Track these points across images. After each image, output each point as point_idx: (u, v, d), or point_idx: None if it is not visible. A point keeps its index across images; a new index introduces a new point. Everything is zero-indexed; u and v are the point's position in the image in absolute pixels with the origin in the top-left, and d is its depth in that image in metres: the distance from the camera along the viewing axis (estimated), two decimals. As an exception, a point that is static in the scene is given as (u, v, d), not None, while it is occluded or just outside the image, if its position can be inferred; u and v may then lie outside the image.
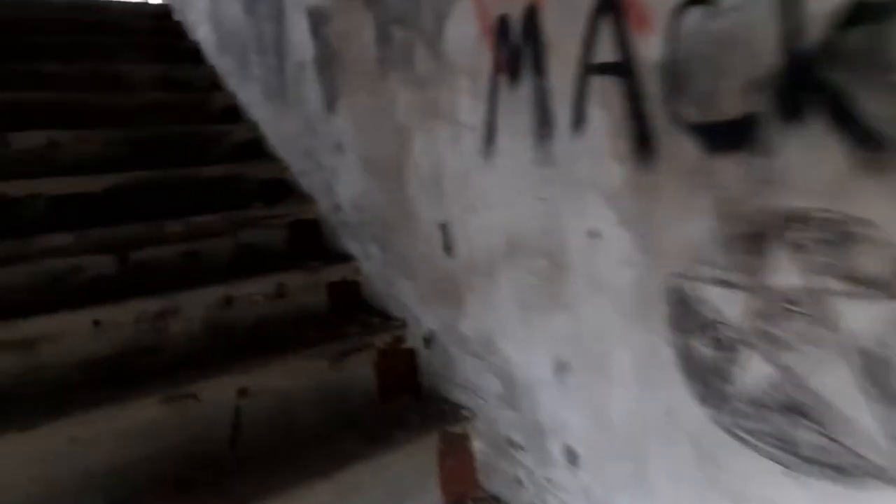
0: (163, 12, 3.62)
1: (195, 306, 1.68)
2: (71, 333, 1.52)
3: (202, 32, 3.15)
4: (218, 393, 1.45)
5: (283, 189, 2.31)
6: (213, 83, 2.95)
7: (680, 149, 0.87)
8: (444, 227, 1.45)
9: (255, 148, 2.56)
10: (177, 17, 3.55)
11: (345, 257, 1.97)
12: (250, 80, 2.60)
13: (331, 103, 1.93)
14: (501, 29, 1.17)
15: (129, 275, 1.83)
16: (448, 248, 1.44)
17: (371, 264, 1.85)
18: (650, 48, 0.89)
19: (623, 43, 0.92)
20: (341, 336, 1.68)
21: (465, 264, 1.40)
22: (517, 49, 1.14)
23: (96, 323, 1.54)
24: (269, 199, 2.23)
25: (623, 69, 0.93)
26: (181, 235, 1.93)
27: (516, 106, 1.16)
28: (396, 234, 1.68)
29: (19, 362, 1.46)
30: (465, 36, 1.28)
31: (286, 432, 1.51)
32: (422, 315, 1.63)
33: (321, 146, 2.04)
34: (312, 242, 2.11)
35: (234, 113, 2.75)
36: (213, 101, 2.77)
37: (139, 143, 2.35)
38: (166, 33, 3.36)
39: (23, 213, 1.91)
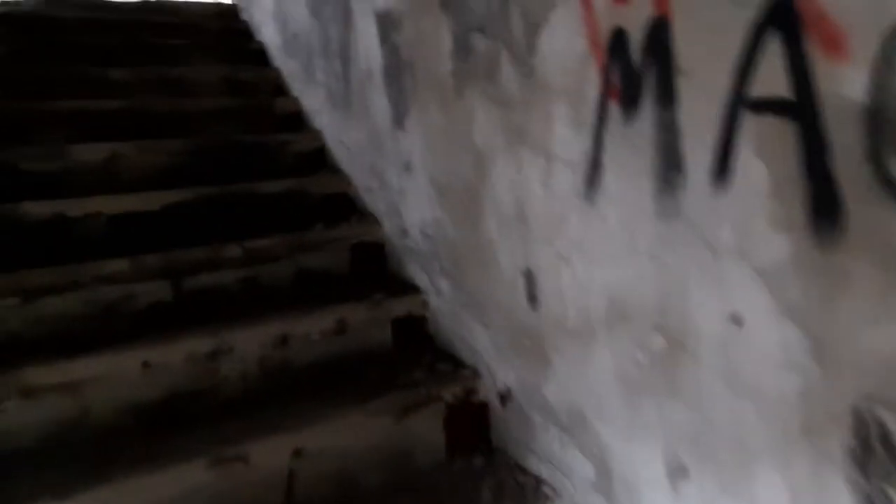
0: (230, 12, 3.53)
1: (249, 345, 1.53)
2: (118, 376, 1.40)
3: (267, 33, 3.03)
4: (271, 454, 1.29)
5: (346, 205, 2.15)
6: (278, 87, 2.82)
7: (884, 224, 0.63)
8: (528, 275, 1.23)
9: (319, 159, 2.41)
10: (243, 16, 3.45)
11: (410, 287, 1.79)
12: (315, 86, 2.44)
13: (399, 118, 1.74)
14: (616, 45, 0.94)
15: (184, 303, 1.71)
16: (532, 298, 1.23)
17: (440, 300, 1.66)
18: (845, 83, 0.64)
19: (800, 73, 0.68)
20: (407, 385, 1.49)
21: (553, 321, 1.19)
22: (637, 71, 0.91)
23: (145, 364, 1.42)
24: (332, 216, 2.07)
25: (798, 109, 0.69)
26: (238, 261, 1.79)
27: (632, 142, 0.93)
28: (470, 273, 1.48)
29: (65, 406, 1.35)
30: (566, 51, 1.06)
31: (343, 498, 1.34)
32: (497, 367, 1.43)
33: (387, 163, 1.86)
34: (376, 267, 1.94)
35: (297, 120, 2.62)
36: (277, 106, 2.64)
37: (201, 154, 2.24)
38: (232, 34, 3.27)
39: (80, 233, 1.82)
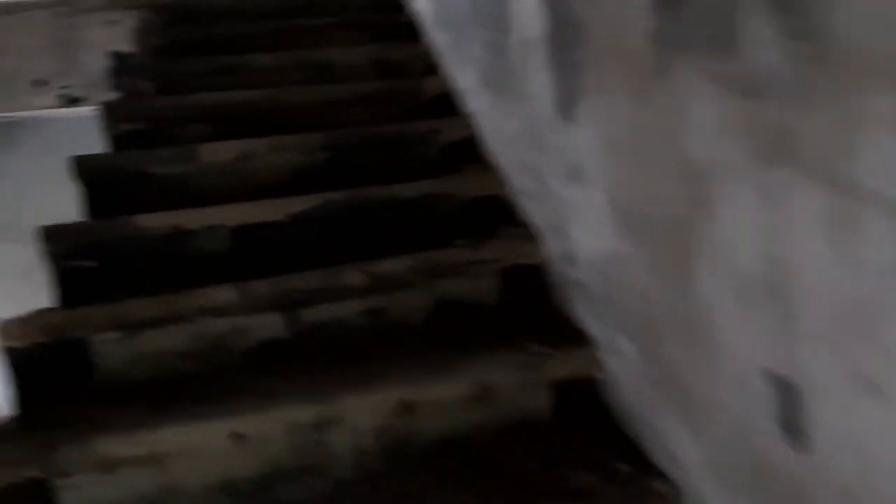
0: None
1: (363, 413, 1.20)
2: (207, 448, 1.14)
3: (419, 4, 2.66)
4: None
5: (498, 213, 1.72)
6: (428, 65, 2.45)
7: None
8: (783, 387, 0.72)
9: (468, 150, 2.00)
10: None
11: (578, 336, 1.32)
12: (467, 62, 2.03)
13: (566, 104, 1.27)
14: None
15: (299, 340, 1.43)
16: (793, 429, 0.72)
17: (619, 362, 1.18)
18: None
19: None
20: (573, 496, 1.05)
21: (834, 478, 0.67)
22: None
23: (238, 437, 1.14)
24: (479, 228, 1.66)
25: None
26: (362, 289, 1.46)
27: None
28: (670, 343, 0.99)
29: (147, 482, 1.12)
30: None
31: None
32: (712, 498, 0.93)
33: (549, 164, 1.40)
34: (532, 301, 1.50)
35: (447, 102, 2.23)
36: (426, 87, 2.28)
37: (337, 149, 1.95)
38: (382, 6, 2.96)
39: (197, 249, 1.62)
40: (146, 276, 1.58)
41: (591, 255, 1.26)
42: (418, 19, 2.70)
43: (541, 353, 1.27)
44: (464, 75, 2.10)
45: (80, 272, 1.57)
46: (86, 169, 1.80)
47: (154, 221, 1.61)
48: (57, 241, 1.56)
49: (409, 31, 2.71)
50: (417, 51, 2.53)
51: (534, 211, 1.56)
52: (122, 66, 3.02)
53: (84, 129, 3.28)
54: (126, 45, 3.23)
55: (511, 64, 1.58)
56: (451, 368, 1.25)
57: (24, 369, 1.27)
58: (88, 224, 1.59)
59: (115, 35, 3.27)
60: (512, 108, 1.63)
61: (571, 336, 1.33)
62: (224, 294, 1.40)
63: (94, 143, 2.20)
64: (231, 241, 1.64)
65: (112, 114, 2.04)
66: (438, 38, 2.38)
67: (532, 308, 1.48)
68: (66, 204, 3.43)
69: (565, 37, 1.24)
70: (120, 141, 2.03)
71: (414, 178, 1.89)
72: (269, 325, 1.41)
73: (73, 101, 3.21)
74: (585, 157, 1.21)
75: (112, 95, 2.36)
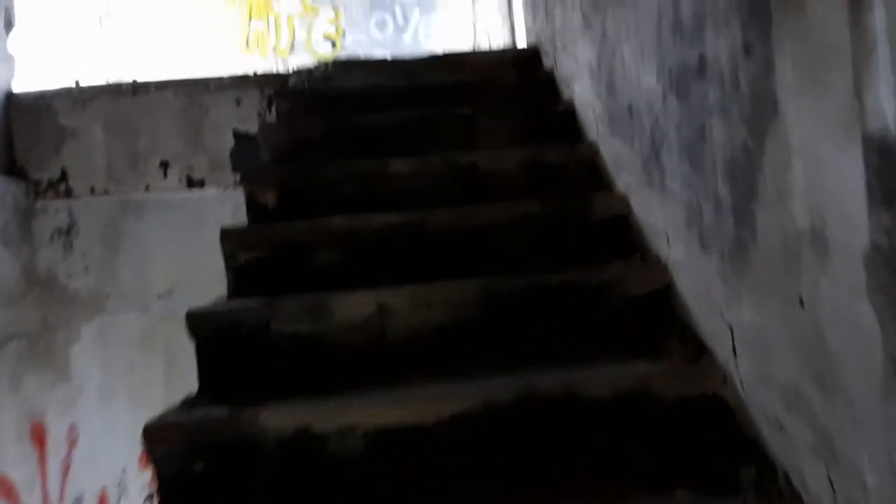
0: (530, 57, 2.86)
1: None
2: None
3: (581, 91, 2.25)
4: None
5: (727, 435, 1.25)
6: (594, 174, 2.03)
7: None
8: None
9: (662, 312, 1.55)
10: (546, 62, 2.74)
11: None
12: (661, 193, 1.58)
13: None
14: None
15: None
16: None
17: None
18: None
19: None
20: None
21: None
22: None
23: None
24: (706, 462, 1.20)
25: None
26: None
27: None
28: None
29: None
30: None
31: None
32: None
33: (864, 445, 0.92)
34: None
35: (623, 232, 1.79)
36: (594, 208, 1.85)
37: (494, 305, 1.56)
38: (533, 90, 2.58)
39: (328, 460, 1.27)
40: (260, 487, 1.26)
41: None
42: (578, 110, 2.29)
43: None
44: (654, 208, 1.65)
45: (185, 476, 1.27)
46: (201, 327, 1.52)
47: (279, 420, 1.28)
48: (163, 442, 1.26)
49: (566, 124, 2.31)
50: (579, 154, 2.11)
51: (796, 462, 1.08)
52: (244, 154, 2.81)
53: (205, 212, 3.13)
54: (251, 125, 3.06)
55: (768, 248, 1.11)
56: None
57: None
58: (199, 421, 1.28)
59: (241, 114, 3.11)
60: (758, 300, 1.16)
61: None
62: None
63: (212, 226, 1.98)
64: (366, 448, 1.28)
65: (232, 241, 1.76)
66: (610, 143, 1.95)
67: None
68: (183, 277, 3.29)
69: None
70: (240, 276, 1.75)
71: (593, 352, 1.46)
72: None
73: (195, 184, 3.06)
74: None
75: (230, 194, 2.11)
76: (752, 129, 1.11)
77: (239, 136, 3.05)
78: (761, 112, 1.07)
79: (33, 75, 3.43)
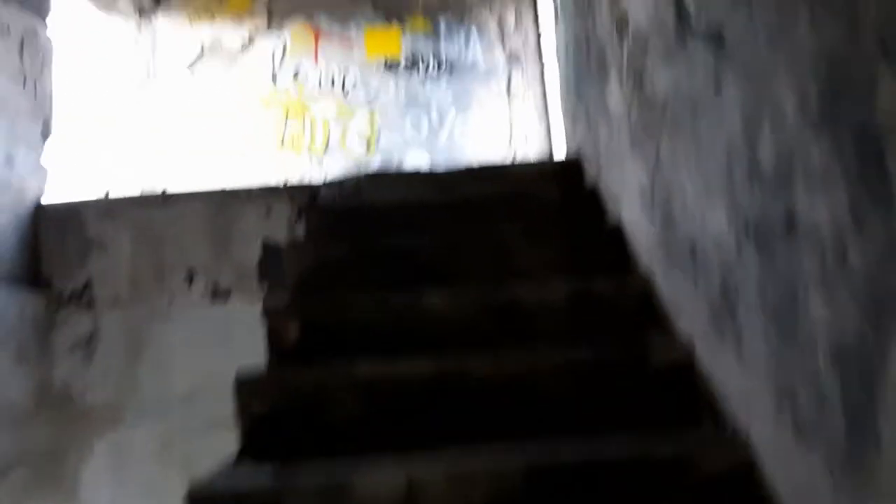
0: (571, 170, 2.72)
1: None
2: None
3: (629, 211, 2.07)
4: None
5: None
6: (647, 309, 1.81)
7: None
8: None
9: (743, 499, 1.28)
10: (589, 176, 2.59)
11: None
12: (735, 353, 1.35)
13: None
14: None
15: None
16: None
17: None
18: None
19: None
20: None
21: None
22: None
23: None
24: None
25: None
26: None
27: None
28: None
29: None
30: None
31: None
32: None
33: None
34: None
35: (687, 387, 1.55)
36: (653, 355, 1.62)
37: (544, 482, 1.33)
38: (577, 208, 2.42)
39: None
40: None
41: None
42: (628, 232, 2.10)
43: None
44: (722, 364, 1.42)
45: None
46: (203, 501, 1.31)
47: None
48: None
49: (614, 246, 2.12)
50: (631, 286, 1.91)
51: None
52: (272, 265, 2.69)
53: (231, 318, 3.00)
54: (280, 234, 2.97)
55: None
56: None
57: None
58: None
59: (270, 224, 3.02)
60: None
61: None
62: None
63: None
64: None
65: (246, 391, 1.58)
66: (667, 279, 1.75)
67: None
68: (205, 383, 3.12)
69: None
70: (253, 429, 1.56)
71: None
72: None
73: (221, 295, 2.94)
74: None
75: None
76: (871, 320, 0.90)
77: (267, 247, 2.95)
78: (887, 306, 0.86)
79: (66, 183, 3.45)
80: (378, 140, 4.34)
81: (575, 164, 2.72)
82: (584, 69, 2.58)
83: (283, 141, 4.31)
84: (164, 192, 3.01)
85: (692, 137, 1.48)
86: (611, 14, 2.09)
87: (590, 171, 2.59)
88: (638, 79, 1.86)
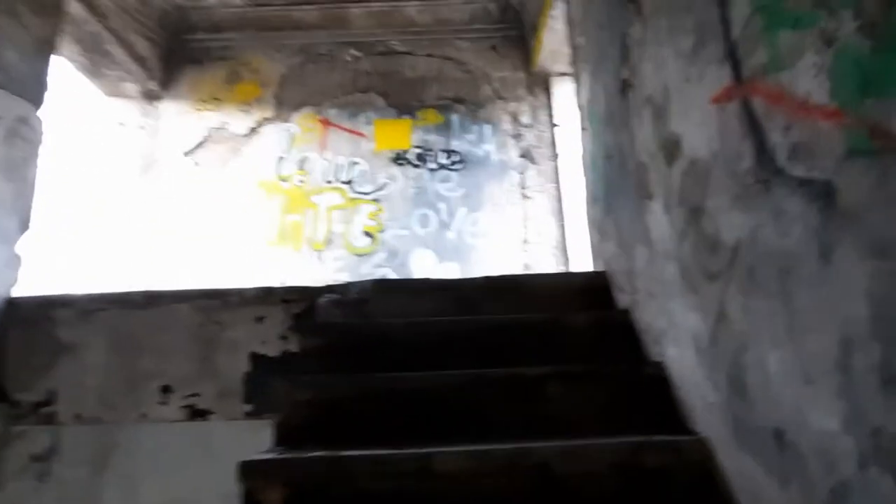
0: (598, 288, 2.45)
1: None
2: None
3: (679, 361, 1.79)
4: None
5: None
6: (710, 488, 1.50)
7: None
8: None
9: None
10: (620, 299, 2.33)
11: None
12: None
13: None
14: None
15: None
16: None
17: None
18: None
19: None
20: None
21: None
22: None
23: None
24: None
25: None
26: None
27: None
28: None
29: None
30: None
31: None
32: None
33: None
34: None
35: None
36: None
37: None
38: (609, 337, 2.13)
39: None
40: None
41: None
42: (675, 383, 1.81)
43: None
44: None
45: None
46: None
47: None
48: None
49: (658, 395, 1.82)
50: (688, 454, 1.58)
51: None
52: (259, 383, 2.39)
53: (209, 435, 2.66)
54: (272, 347, 2.68)
55: None
56: None
57: None
58: None
59: (261, 334, 2.71)
60: None
61: None
62: None
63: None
64: None
65: None
66: (736, 461, 1.43)
67: None
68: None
69: None
70: None
71: None
72: None
73: (199, 414, 2.60)
74: None
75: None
76: None
77: (257, 361, 2.63)
78: None
79: (45, 276, 3.18)
80: (383, 235, 4.11)
81: (602, 280, 2.46)
82: (617, 183, 2.37)
83: (283, 233, 4.07)
84: (147, 292, 2.73)
85: (781, 302, 1.22)
86: (656, 133, 1.89)
87: (621, 294, 2.32)
88: (694, 213, 1.62)
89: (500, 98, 4.62)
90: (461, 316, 2.33)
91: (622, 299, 2.31)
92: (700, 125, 1.57)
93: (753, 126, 1.30)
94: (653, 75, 1.90)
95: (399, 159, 4.32)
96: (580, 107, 2.97)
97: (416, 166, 4.30)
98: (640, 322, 2.11)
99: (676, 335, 1.79)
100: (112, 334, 2.66)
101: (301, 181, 4.21)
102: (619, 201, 2.35)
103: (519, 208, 4.18)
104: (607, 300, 2.42)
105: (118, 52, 3.67)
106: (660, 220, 1.89)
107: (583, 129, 2.89)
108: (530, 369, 1.91)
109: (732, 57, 1.39)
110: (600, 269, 2.66)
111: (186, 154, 4.13)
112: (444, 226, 4.12)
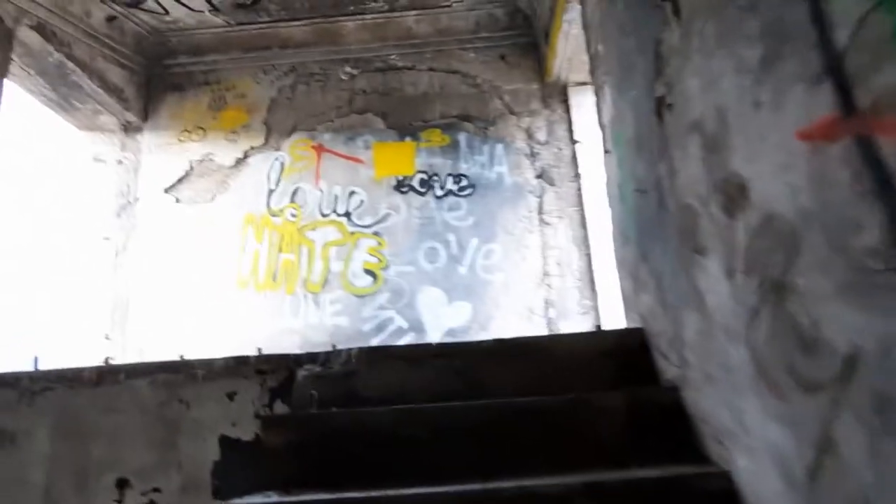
0: (633, 352, 1.99)
1: None
2: None
3: (755, 480, 1.33)
4: None
5: None
6: None
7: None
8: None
9: None
10: (664, 371, 1.87)
11: None
12: None
13: None
14: None
15: None
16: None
17: None
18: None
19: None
20: None
21: None
22: None
23: None
24: None
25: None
26: None
27: None
28: None
29: None
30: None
31: None
32: None
33: None
34: None
35: None
36: None
37: None
38: (654, 426, 1.67)
39: None
40: None
41: None
42: (746, 502, 1.35)
43: None
44: None
45: None
46: None
47: None
48: None
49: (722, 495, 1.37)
50: None
51: None
52: (230, 473, 1.99)
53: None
54: (245, 428, 2.27)
55: None
56: None
57: None
58: None
59: (233, 412, 2.31)
60: None
61: None
62: None
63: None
64: None
65: None
66: None
67: None
68: None
69: None
70: None
71: None
72: None
73: (161, 515, 2.19)
74: None
75: None
76: None
77: (228, 447, 2.23)
78: None
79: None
80: (386, 273, 3.69)
81: (638, 338, 2.00)
82: (653, 225, 1.92)
83: (275, 275, 3.68)
84: (99, 367, 2.34)
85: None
86: (709, 172, 1.44)
87: (664, 361, 1.87)
88: (775, 290, 1.16)
89: (513, 113, 4.19)
90: (466, 391, 1.91)
91: (667, 369, 1.85)
92: (780, 169, 1.12)
93: (881, 181, 0.85)
94: (700, 95, 1.45)
95: (402, 187, 3.90)
96: (602, 126, 2.51)
97: (420, 194, 3.88)
98: (695, 407, 1.65)
99: (750, 444, 1.33)
100: (58, 420, 2.28)
101: (294, 215, 3.82)
102: (657, 248, 1.90)
103: (537, 237, 3.73)
104: (645, 367, 1.96)
105: (87, 83, 3.34)
106: (718, 285, 1.43)
107: (606, 151, 2.44)
108: (551, 482, 1.46)
109: (835, 75, 0.94)
110: (635, 323, 2.20)
111: (167, 191, 3.77)
112: (454, 260, 3.68)
